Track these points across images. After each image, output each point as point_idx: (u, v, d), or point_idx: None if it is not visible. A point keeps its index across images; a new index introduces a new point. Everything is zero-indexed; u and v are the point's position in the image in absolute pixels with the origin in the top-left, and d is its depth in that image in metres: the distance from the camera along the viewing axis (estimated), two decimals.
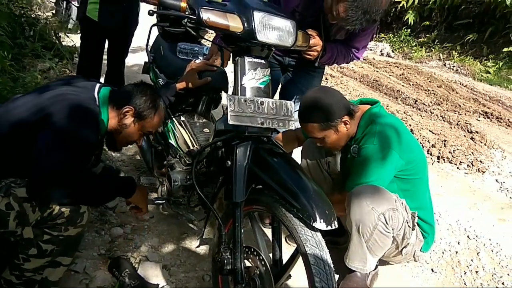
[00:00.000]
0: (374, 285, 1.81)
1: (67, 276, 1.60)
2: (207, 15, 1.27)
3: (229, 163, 1.37)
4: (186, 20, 1.31)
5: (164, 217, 2.22)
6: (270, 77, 1.44)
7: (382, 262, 1.88)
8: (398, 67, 8.03)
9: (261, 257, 1.32)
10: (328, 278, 1.14)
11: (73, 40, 5.24)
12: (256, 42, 1.32)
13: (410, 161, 1.67)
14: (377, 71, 6.90)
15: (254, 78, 1.39)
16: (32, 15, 5.15)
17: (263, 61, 1.41)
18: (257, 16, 1.29)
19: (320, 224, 1.14)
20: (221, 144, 1.49)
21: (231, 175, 1.34)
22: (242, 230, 1.34)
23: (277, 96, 2.27)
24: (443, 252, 2.19)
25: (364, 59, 8.40)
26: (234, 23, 1.30)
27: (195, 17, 1.27)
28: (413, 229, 1.67)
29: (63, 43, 5.53)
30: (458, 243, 2.28)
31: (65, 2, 7.22)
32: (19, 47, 4.50)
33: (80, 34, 3.16)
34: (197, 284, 1.76)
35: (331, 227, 1.15)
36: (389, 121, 1.71)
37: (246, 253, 1.36)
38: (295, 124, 1.44)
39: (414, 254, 1.77)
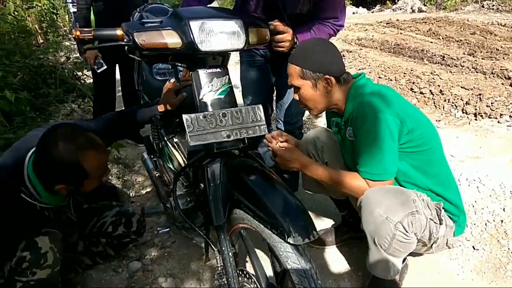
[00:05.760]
0: (405, 277, 1.65)
1: None
2: (141, 38, 1.19)
3: (202, 185, 1.28)
4: (126, 47, 1.26)
5: (185, 240, 2.18)
6: (230, 84, 1.34)
7: (413, 253, 1.70)
8: (425, 23, 7.52)
9: (252, 280, 1.22)
10: None
11: None
12: (201, 53, 1.22)
13: (409, 123, 1.43)
14: (401, 33, 6.48)
15: (211, 90, 1.30)
16: (50, 63, 5.39)
17: (218, 69, 1.31)
18: (194, 25, 1.19)
19: (295, 239, 1.02)
20: (197, 165, 1.41)
21: (206, 198, 1.26)
22: (231, 254, 1.25)
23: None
24: (485, 224, 1.95)
25: (386, 23, 7.96)
26: (171, 39, 1.21)
27: (131, 43, 1.21)
28: (440, 224, 1.46)
29: (87, 81, 5.75)
30: (504, 209, 2.02)
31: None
32: (43, 96, 4.71)
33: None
34: None
35: (309, 239, 1.03)
36: (372, 89, 1.51)
37: (241, 277, 1.27)
38: (266, 129, 1.32)
39: (447, 243, 1.55)
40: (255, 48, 2.05)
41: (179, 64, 1.42)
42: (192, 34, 1.19)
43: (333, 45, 1.55)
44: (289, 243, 1.03)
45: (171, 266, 1.99)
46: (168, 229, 1.84)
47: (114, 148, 3.04)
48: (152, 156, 2.28)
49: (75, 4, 3.16)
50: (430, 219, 1.42)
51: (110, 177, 2.92)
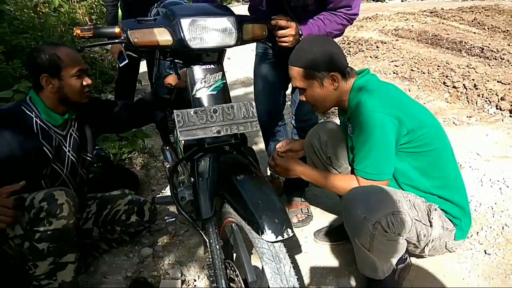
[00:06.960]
0: (405, 278, 1.61)
1: None
2: (134, 36, 1.24)
3: (192, 179, 1.32)
4: (123, 44, 1.32)
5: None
6: (224, 81, 1.36)
7: (416, 255, 1.65)
8: (472, 11, 7.09)
9: (237, 273, 1.25)
10: None
11: None
12: (192, 50, 1.25)
13: (408, 123, 1.39)
14: (442, 23, 6.15)
15: (204, 86, 1.33)
16: (91, 55, 5.65)
17: (212, 65, 1.33)
18: (185, 22, 1.22)
19: (268, 236, 1.03)
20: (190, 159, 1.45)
21: (195, 191, 1.29)
22: (218, 246, 1.29)
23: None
24: (503, 228, 1.85)
25: (430, 12, 7.58)
26: (163, 37, 1.25)
27: (126, 41, 1.26)
28: (431, 226, 1.41)
29: None
30: None
31: None
32: None
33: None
34: None
35: (282, 237, 1.03)
36: (373, 86, 1.47)
37: (228, 269, 1.30)
38: (257, 125, 1.33)
39: (446, 246, 1.51)
40: (265, 42, 2.05)
41: (176, 60, 1.46)
42: (182, 32, 1.22)
43: (331, 40, 1.53)
44: (263, 239, 1.05)
45: (180, 254, 2.06)
46: (174, 218, 1.90)
47: (139, 138, 3.17)
48: (167, 148, 2.36)
49: None
50: (416, 220, 1.37)
51: (134, 166, 3.05)
